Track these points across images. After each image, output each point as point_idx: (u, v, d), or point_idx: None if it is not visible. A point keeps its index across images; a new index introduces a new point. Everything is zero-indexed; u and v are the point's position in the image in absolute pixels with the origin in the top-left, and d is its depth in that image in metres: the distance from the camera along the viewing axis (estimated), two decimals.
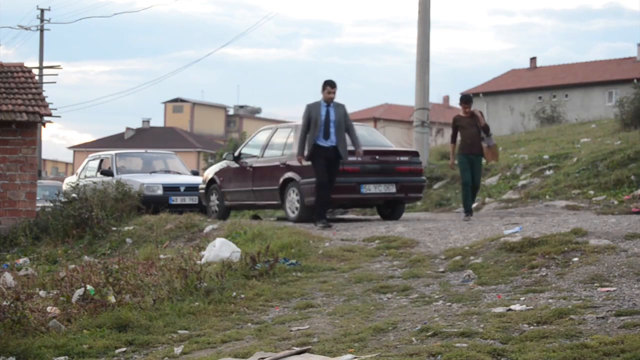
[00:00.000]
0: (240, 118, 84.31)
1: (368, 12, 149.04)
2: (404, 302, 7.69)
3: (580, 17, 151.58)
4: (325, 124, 12.25)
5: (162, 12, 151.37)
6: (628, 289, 7.13)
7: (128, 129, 72.19)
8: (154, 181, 17.08)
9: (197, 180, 17.24)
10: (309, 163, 12.76)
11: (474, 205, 13.33)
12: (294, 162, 13.61)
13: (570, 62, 53.11)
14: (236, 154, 15.07)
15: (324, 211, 12.51)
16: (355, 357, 5.80)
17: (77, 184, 16.40)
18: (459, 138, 12.79)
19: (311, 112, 12.29)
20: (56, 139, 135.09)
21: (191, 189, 16.94)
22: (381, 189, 13.35)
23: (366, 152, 13.37)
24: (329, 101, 12.35)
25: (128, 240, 13.51)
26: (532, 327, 6.17)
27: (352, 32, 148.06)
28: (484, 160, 13.13)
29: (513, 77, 50.97)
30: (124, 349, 6.94)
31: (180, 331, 7.34)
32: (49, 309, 8.28)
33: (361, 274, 8.96)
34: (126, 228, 14.22)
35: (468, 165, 12.61)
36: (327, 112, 12.32)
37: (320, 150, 12.27)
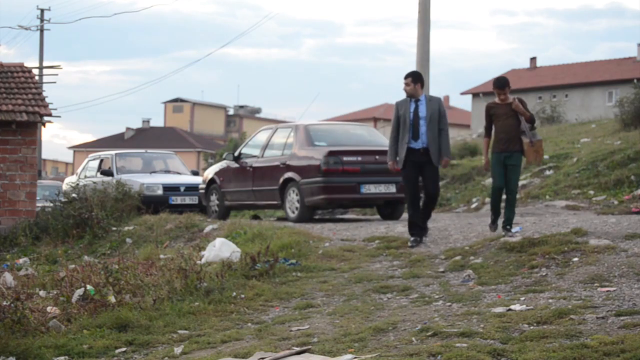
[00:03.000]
0: (240, 118, 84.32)
1: (370, 11, 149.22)
2: (404, 302, 7.69)
3: (582, 16, 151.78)
4: (413, 122, 10.26)
5: (163, 12, 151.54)
6: (628, 289, 7.14)
7: (128, 129, 72.18)
8: (154, 181, 17.08)
9: (197, 180, 17.24)
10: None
11: (515, 227, 10.30)
12: (294, 162, 13.63)
13: (572, 62, 53.14)
14: (236, 154, 15.07)
15: (412, 225, 10.40)
16: (355, 357, 5.81)
17: (77, 184, 16.40)
18: (494, 131, 10.23)
19: (399, 110, 10.39)
20: (57, 139, 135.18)
21: (191, 189, 16.93)
22: (381, 189, 13.34)
23: (366, 152, 13.39)
24: (410, 95, 10.34)
25: (128, 240, 13.51)
26: (532, 327, 6.18)
27: (353, 32, 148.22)
28: (524, 160, 10.33)
29: (513, 77, 50.81)
30: (124, 349, 6.94)
31: (180, 331, 7.35)
32: (49, 309, 8.28)
33: (361, 274, 8.96)
34: (126, 228, 14.22)
35: (502, 167, 9.94)
36: (416, 108, 10.30)
37: (410, 154, 10.28)
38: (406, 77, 10.38)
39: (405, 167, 10.30)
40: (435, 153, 10.25)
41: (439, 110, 10.33)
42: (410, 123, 10.26)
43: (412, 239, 10.26)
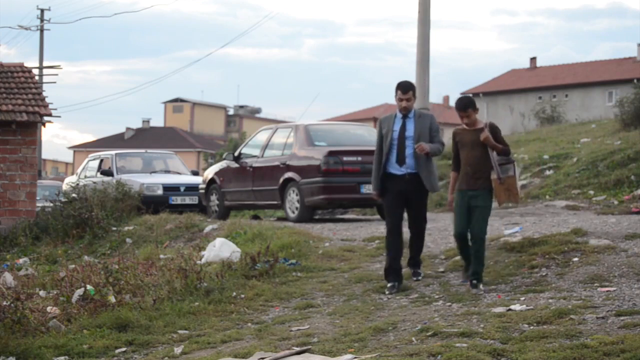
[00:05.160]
0: (240, 118, 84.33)
1: (370, 11, 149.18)
2: (404, 302, 7.70)
3: (583, 16, 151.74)
4: (398, 142, 8.44)
5: (164, 12, 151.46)
6: (628, 289, 7.14)
7: (128, 129, 72.20)
8: (154, 181, 17.09)
9: (197, 180, 17.24)
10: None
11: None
12: (294, 162, 13.63)
13: (572, 62, 53.15)
14: (236, 154, 15.09)
15: (390, 268, 8.40)
16: (355, 357, 5.81)
17: (77, 184, 16.40)
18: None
19: (382, 128, 8.57)
20: (57, 139, 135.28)
21: (191, 189, 16.94)
22: None
23: (366, 152, 13.38)
24: (404, 111, 8.48)
25: (128, 240, 13.51)
26: (532, 327, 6.18)
27: (354, 31, 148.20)
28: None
29: (513, 77, 50.99)
30: (124, 349, 6.95)
31: (180, 331, 7.35)
32: (49, 309, 8.28)
33: (361, 274, 8.96)
34: (126, 228, 14.22)
35: (465, 208, 7.95)
36: (403, 127, 8.47)
37: (393, 181, 8.45)
38: (405, 90, 8.47)
39: (385, 196, 8.49)
40: (429, 178, 8.44)
41: (429, 128, 8.51)
42: (393, 144, 8.45)
43: (389, 285, 8.31)
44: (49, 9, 41.00)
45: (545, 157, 19.51)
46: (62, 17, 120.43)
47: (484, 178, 7.93)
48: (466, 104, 8.02)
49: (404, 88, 8.47)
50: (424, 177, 8.40)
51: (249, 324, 7.45)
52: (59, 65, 25.69)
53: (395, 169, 8.44)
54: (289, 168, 13.70)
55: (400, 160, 8.43)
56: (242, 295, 8.40)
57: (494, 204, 8.10)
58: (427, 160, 8.45)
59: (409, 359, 5.65)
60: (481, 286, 7.83)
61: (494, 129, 7.98)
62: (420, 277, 8.61)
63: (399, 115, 8.53)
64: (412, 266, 8.74)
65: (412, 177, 8.40)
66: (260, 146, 14.72)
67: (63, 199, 15.59)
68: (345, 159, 13.23)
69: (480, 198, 7.93)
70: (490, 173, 7.95)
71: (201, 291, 8.47)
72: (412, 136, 8.43)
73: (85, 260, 11.38)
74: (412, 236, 8.71)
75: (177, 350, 6.68)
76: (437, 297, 7.72)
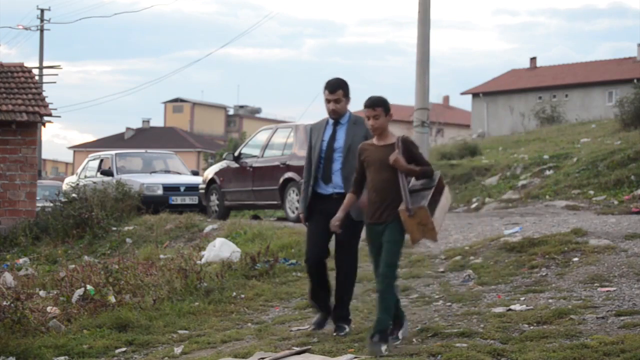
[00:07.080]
0: (240, 118, 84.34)
1: (371, 11, 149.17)
2: (404, 302, 7.69)
3: (584, 16, 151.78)
4: (326, 155, 6.78)
5: (165, 12, 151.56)
6: (628, 289, 7.14)
7: (128, 129, 72.22)
8: (154, 181, 17.09)
9: (197, 180, 17.25)
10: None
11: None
12: (294, 162, 13.63)
13: (572, 62, 53.14)
14: (236, 154, 15.10)
15: (315, 301, 6.93)
16: (355, 357, 5.81)
17: (77, 184, 16.42)
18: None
19: (312, 138, 6.94)
20: (57, 139, 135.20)
21: (191, 189, 16.94)
22: None
23: None
24: (334, 115, 6.77)
25: (128, 240, 13.52)
26: (532, 327, 6.18)
27: (355, 31, 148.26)
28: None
29: (513, 77, 50.94)
30: (124, 349, 6.95)
31: (180, 331, 7.35)
32: (49, 309, 8.29)
33: (361, 274, 8.91)
34: (126, 228, 14.23)
35: (370, 245, 6.39)
36: (333, 136, 6.79)
37: (318, 202, 6.81)
38: (333, 89, 6.73)
39: (308, 220, 6.90)
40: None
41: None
42: (320, 156, 6.79)
43: (313, 320, 6.99)
44: (49, 9, 41.14)
45: (545, 157, 19.52)
46: (62, 17, 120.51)
47: (393, 207, 6.04)
48: (375, 102, 6.18)
49: (331, 87, 6.73)
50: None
51: (249, 324, 7.45)
52: (59, 65, 25.76)
53: (321, 188, 6.79)
54: (289, 168, 13.70)
55: (326, 177, 6.76)
56: (242, 295, 8.41)
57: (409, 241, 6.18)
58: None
59: (409, 359, 5.65)
60: (384, 348, 5.81)
61: (407, 145, 6.11)
62: (344, 333, 6.63)
63: (331, 121, 6.82)
64: (337, 319, 6.78)
65: (341, 198, 6.54)
66: (260, 146, 14.73)
67: (63, 199, 15.61)
68: None
69: (389, 233, 6.10)
70: (399, 202, 6.01)
71: (201, 291, 8.47)
72: (341, 147, 6.72)
73: (85, 260, 11.38)
74: (337, 276, 6.88)
75: (177, 350, 6.68)
76: (437, 297, 7.73)
